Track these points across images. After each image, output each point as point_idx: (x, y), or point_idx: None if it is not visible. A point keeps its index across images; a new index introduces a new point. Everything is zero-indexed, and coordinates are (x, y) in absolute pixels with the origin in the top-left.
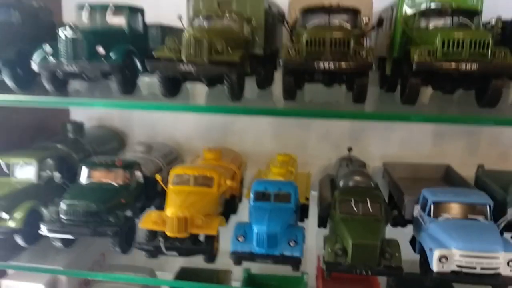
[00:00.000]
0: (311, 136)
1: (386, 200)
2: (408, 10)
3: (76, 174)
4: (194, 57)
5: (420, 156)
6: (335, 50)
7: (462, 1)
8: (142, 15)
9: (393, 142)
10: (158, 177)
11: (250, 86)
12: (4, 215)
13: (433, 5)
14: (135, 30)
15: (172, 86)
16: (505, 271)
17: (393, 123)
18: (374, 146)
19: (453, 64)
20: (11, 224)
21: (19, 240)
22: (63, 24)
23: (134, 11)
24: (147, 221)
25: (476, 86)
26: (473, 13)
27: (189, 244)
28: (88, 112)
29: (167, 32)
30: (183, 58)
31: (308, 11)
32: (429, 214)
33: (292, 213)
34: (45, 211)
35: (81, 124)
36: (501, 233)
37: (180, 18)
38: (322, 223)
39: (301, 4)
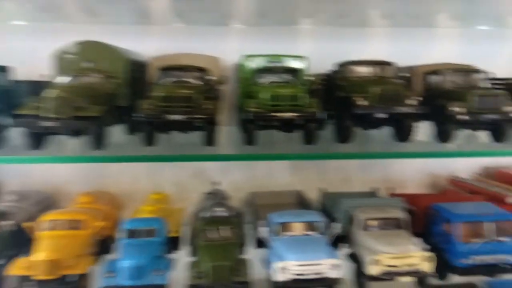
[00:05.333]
0: (185, 174)
1: (253, 225)
2: (248, 68)
3: None
4: (56, 113)
5: (281, 185)
6: (184, 105)
7: (288, 63)
8: (7, 71)
9: (258, 174)
10: (25, 225)
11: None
12: None
13: (265, 65)
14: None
15: (37, 140)
16: (330, 274)
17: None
18: (242, 179)
19: (277, 113)
20: None
21: None
22: None
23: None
24: (15, 267)
25: (300, 128)
26: (296, 71)
27: (61, 285)
28: None
29: (37, 87)
30: (46, 114)
31: (165, 70)
32: (273, 234)
33: (158, 246)
34: None
35: None
36: (336, 245)
37: (43, 76)
38: (194, 252)
39: (160, 63)
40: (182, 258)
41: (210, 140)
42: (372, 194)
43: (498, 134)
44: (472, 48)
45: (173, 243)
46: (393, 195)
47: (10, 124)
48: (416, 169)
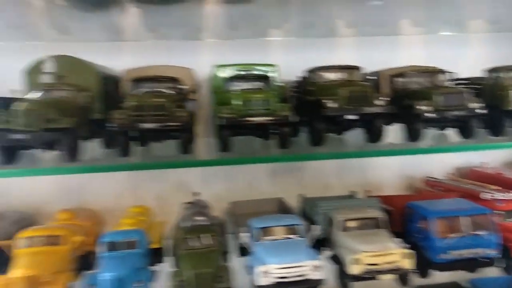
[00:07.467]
0: (166, 187)
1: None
2: (220, 77)
3: None
4: (26, 126)
5: (261, 194)
6: (156, 113)
7: (258, 70)
8: None
9: (238, 184)
10: (2, 243)
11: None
12: None
13: (237, 73)
14: None
15: (9, 154)
16: (312, 275)
17: (236, 168)
18: (222, 189)
19: (250, 118)
20: None
21: None
22: None
23: None
24: None
25: (272, 133)
26: (267, 78)
27: None
28: None
29: (7, 102)
30: (16, 127)
31: (137, 80)
32: (254, 239)
33: (139, 257)
34: None
35: None
36: (317, 248)
37: (13, 92)
38: (176, 263)
39: (133, 74)
40: (165, 269)
41: (185, 148)
42: (350, 198)
43: (465, 130)
44: (436, 53)
45: (155, 255)
46: (370, 197)
47: None
48: (392, 172)
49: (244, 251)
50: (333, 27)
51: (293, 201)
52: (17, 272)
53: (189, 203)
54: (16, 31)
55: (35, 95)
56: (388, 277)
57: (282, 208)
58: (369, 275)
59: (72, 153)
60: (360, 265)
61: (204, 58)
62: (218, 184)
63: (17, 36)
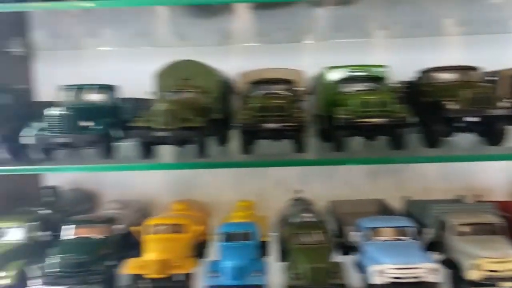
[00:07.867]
0: (267, 184)
1: (337, 232)
2: (331, 78)
3: (57, 234)
4: (166, 124)
5: (359, 193)
6: (277, 114)
7: (370, 72)
8: (115, 91)
9: (336, 183)
10: (132, 228)
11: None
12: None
13: (349, 75)
14: (111, 104)
15: (148, 150)
16: (428, 278)
17: (335, 168)
18: (322, 187)
19: (368, 119)
20: (5, 281)
21: None
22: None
23: (109, 88)
24: (130, 267)
25: (387, 134)
26: (379, 79)
27: (170, 283)
28: (62, 176)
29: (139, 103)
30: (158, 126)
31: (256, 83)
32: (365, 239)
33: (254, 249)
34: (35, 267)
35: (56, 188)
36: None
37: (148, 93)
38: (282, 257)
39: (250, 77)
40: (272, 262)
41: (301, 147)
42: (458, 202)
43: None
44: None
45: (262, 248)
46: (481, 202)
47: (121, 136)
48: (499, 177)
49: (347, 249)
50: (440, 26)
51: (391, 203)
52: (151, 255)
53: (295, 200)
54: (141, 38)
55: (167, 96)
56: (509, 285)
57: (383, 209)
58: (488, 282)
59: (203, 150)
60: (479, 271)
61: (307, 60)
62: (316, 183)
63: (142, 42)
